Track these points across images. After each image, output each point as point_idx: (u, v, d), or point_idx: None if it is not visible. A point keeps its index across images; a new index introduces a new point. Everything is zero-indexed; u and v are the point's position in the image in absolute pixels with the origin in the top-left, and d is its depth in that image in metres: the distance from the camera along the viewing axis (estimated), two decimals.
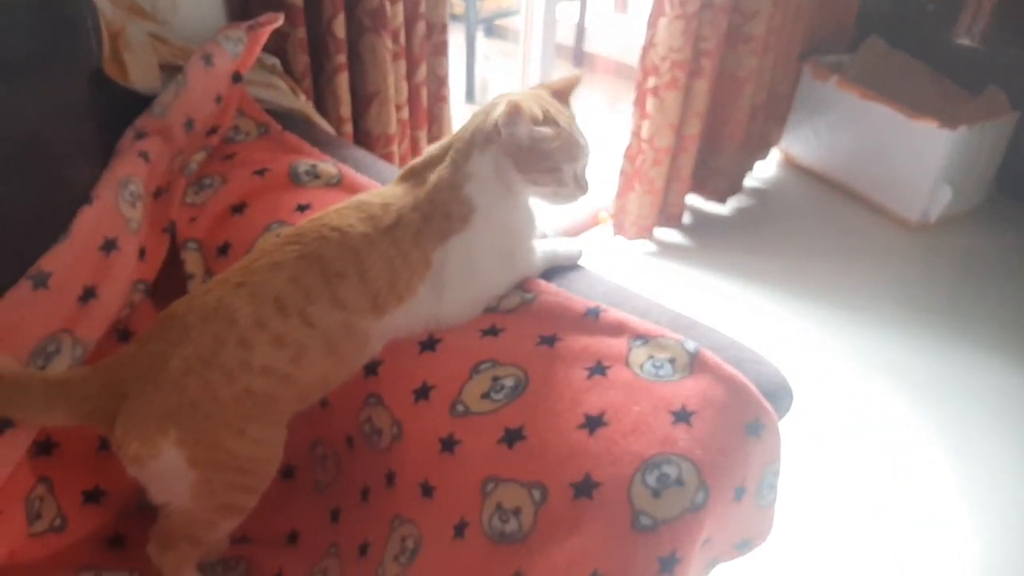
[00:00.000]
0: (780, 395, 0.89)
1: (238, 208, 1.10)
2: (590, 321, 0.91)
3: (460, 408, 0.86)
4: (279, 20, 1.26)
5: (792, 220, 2.81)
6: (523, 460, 0.81)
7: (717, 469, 0.79)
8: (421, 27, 1.61)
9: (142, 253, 1.05)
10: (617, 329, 0.90)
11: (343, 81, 1.47)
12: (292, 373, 0.87)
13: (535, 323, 0.92)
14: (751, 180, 2.99)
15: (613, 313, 0.91)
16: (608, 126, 3.55)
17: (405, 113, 1.61)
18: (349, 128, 1.52)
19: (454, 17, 3.81)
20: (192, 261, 1.08)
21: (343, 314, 0.88)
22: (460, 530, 0.83)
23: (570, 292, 0.96)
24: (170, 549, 0.91)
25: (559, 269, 1.03)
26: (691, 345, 0.87)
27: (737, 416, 0.83)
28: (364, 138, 1.55)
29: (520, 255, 0.98)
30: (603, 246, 2.63)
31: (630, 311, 0.94)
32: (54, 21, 0.99)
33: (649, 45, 2.35)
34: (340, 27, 1.42)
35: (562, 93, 0.98)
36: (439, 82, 1.72)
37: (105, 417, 0.83)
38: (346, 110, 1.49)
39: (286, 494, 1.06)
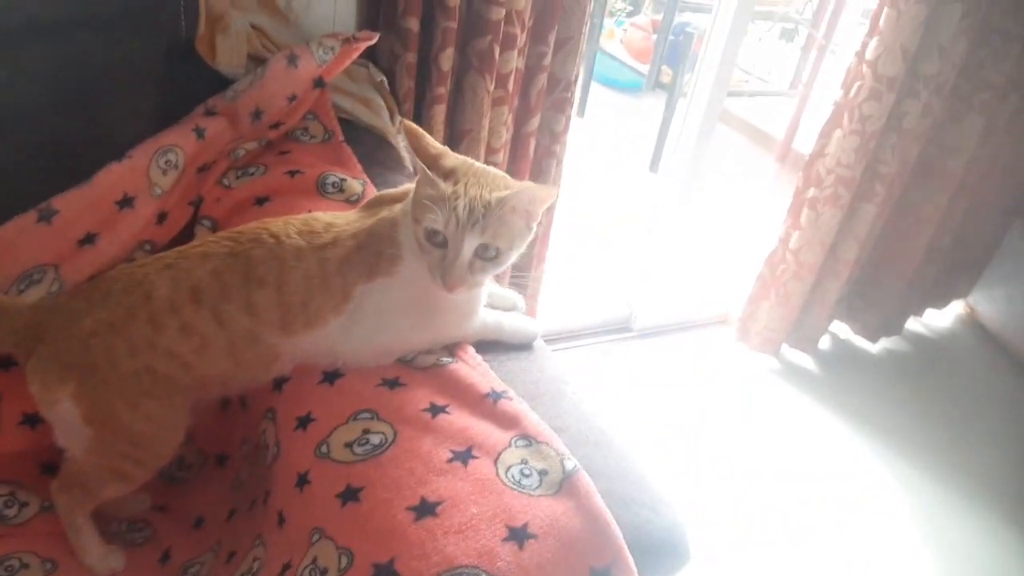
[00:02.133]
0: (664, 553, 0.78)
1: (261, 200, 1.15)
2: (488, 404, 0.85)
3: (323, 449, 0.83)
4: (374, 38, 1.31)
5: (952, 383, 2.47)
6: (347, 522, 0.77)
7: None
8: (542, 79, 1.60)
9: (162, 217, 1.12)
10: (510, 421, 0.83)
11: (440, 112, 1.49)
12: (193, 363, 0.88)
13: (435, 388, 0.88)
14: (916, 324, 2.69)
15: (514, 405, 0.85)
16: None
17: (501, 156, 1.61)
18: None
19: (661, 85, 3.79)
20: (202, 236, 1.13)
21: (252, 321, 0.88)
22: (283, 571, 0.80)
23: (491, 369, 0.90)
24: (66, 492, 0.95)
25: (517, 344, 0.97)
26: (571, 464, 0.79)
27: (583, 556, 0.73)
28: None
29: (443, 320, 0.93)
30: (721, 349, 2.47)
31: (548, 410, 0.86)
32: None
33: (818, 155, 2.19)
34: (447, 60, 1.45)
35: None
36: (552, 137, 1.70)
37: (25, 352, 0.90)
38: (437, 140, 1.51)
39: (211, 480, 1.09)
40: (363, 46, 1.30)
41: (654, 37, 3.62)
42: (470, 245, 0.85)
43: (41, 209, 1.01)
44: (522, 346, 0.99)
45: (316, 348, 0.91)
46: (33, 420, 1.03)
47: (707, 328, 2.56)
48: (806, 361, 2.49)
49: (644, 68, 3.66)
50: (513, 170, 1.69)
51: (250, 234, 0.91)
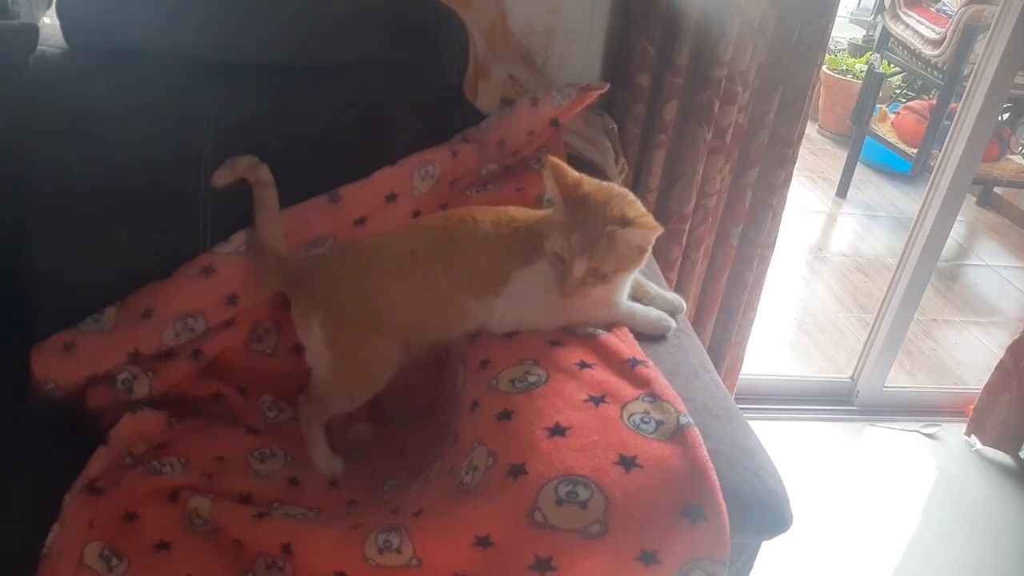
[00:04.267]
0: (759, 512, 0.89)
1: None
2: (627, 367, 1.02)
3: (494, 383, 1.05)
4: (604, 88, 1.54)
5: None
6: (499, 434, 0.97)
7: (626, 517, 0.85)
8: (763, 135, 1.74)
9: (416, 214, 1.42)
10: (642, 382, 0.99)
11: (660, 156, 1.69)
12: (407, 309, 1.16)
13: (587, 350, 1.06)
14: None
15: (649, 371, 1.00)
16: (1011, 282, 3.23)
17: (714, 201, 1.76)
18: (653, 197, 1.73)
19: (930, 169, 3.65)
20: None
21: (449, 283, 1.13)
22: (449, 472, 1.02)
23: (642, 348, 1.07)
24: (308, 403, 1.26)
25: (648, 333, 1.14)
26: (685, 420, 0.92)
27: (679, 492, 0.87)
28: (663, 208, 1.75)
29: (576, 307, 1.10)
30: (948, 437, 2.34)
31: (682, 384, 1.01)
32: (426, 49, 1.44)
33: None
34: (670, 111, 1.65)
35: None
36: (770, 190, 1.82)
37: (292, 290, 1.23)
38: (655, 181, 1.71)
39: (419, 421, 1.35)
40: (595, 94, 1.54)
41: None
42: (580, 267, 1.03)
43: (331, 193, 1.35)
44: (654, 336, 1.13)
45: (487, 317, 1.15)
46: (300, 349, 1.35)
47: (938, 414, 2.43)
48: None
49: (914, 152, 3.57)
50: (728, 217, 1.83)
51: (459, 215, 1.17)
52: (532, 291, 1.11)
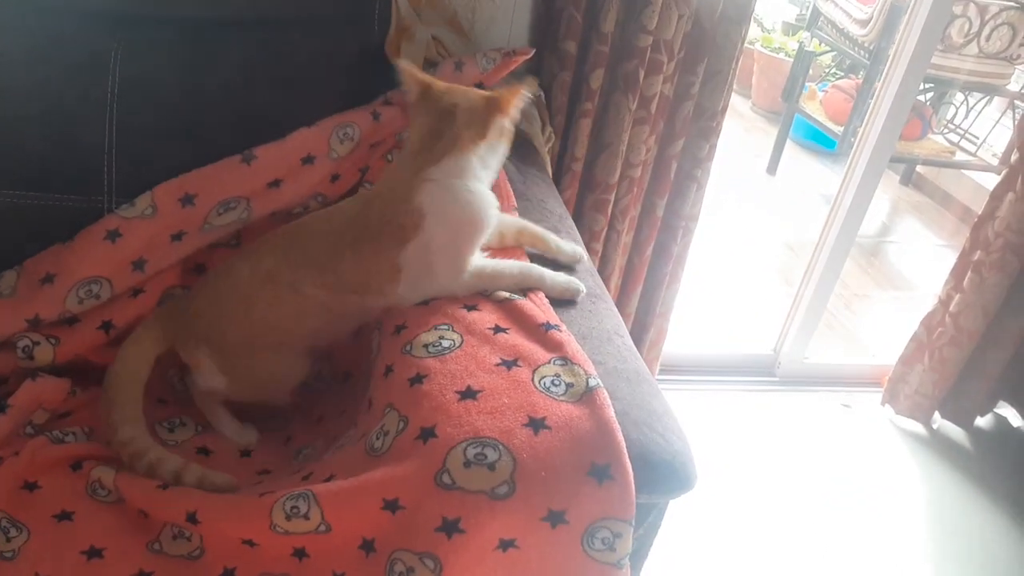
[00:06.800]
0: (664, 472, 0.90)
1: None
2: (540, 331, 1.02)
3: (407, 348, 1.03)
4: (530, 53, 1.52)
5: None
6: (410, 398, 0.96)
7: (533, 479, 0.85)
8: (688, 107, 1.75)
9: (335, 177, 1.39)
10: (555, 346, 0.99)
11: (586, 126, 1.68)
12: (291, 327, 1.15)
13: (502, 314, 1.05)
14: None
15: (562, 335, 1.00)
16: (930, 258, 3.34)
17: (638, 172, 1.77)
18: (579, 166, 1.73)
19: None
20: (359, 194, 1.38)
21: (327, 292, 1.12)
22: (361, 438, 1.00)
23: (551, 308, 1.08)
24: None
25: (558, 296, 1.14)
26: (594, 382, 0.93)
27: (587, 452, 0.87)
28: (588, 178, 1.75)
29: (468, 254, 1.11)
30: (864, 407, 2.42)
31: (593, 348, 1.01)
32: (346, 5, 1.40)
33: (987, 217, 2.14)
34: (596, 80, 1.64)
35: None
36: (694, 162, 1.83)
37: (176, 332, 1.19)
38: (581, 150, 1.71)
39: (336, 391, 1.32)
40: (520, 59, 1.52)
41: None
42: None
43: (245, 154, 1.31)
44: (564, 300, 1.13)
45: (397, 299, 1.13)
46: None
47: (857, 385, 2.51)
48: (959, 435, 2.37)
49: (841, 130, 3.65)
50: (653, 188, 1.84)
51: (291, 229, 1.17)
52: (427, 263, 1.10)
